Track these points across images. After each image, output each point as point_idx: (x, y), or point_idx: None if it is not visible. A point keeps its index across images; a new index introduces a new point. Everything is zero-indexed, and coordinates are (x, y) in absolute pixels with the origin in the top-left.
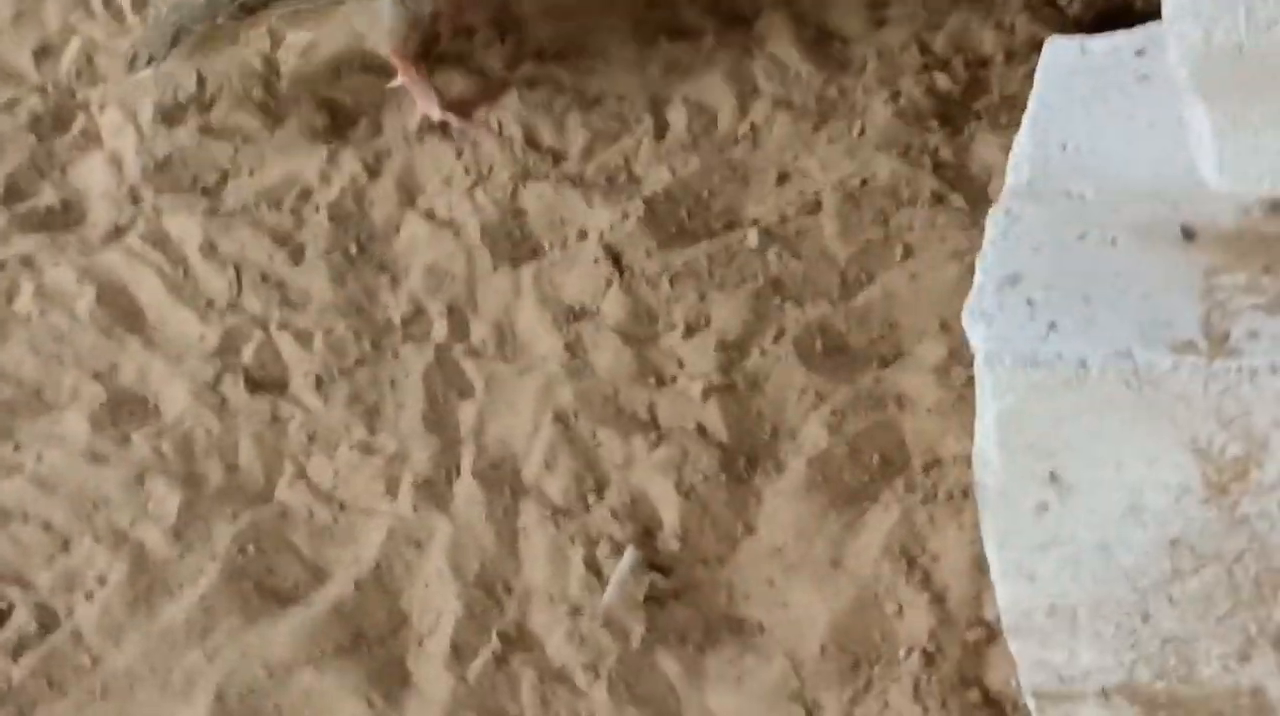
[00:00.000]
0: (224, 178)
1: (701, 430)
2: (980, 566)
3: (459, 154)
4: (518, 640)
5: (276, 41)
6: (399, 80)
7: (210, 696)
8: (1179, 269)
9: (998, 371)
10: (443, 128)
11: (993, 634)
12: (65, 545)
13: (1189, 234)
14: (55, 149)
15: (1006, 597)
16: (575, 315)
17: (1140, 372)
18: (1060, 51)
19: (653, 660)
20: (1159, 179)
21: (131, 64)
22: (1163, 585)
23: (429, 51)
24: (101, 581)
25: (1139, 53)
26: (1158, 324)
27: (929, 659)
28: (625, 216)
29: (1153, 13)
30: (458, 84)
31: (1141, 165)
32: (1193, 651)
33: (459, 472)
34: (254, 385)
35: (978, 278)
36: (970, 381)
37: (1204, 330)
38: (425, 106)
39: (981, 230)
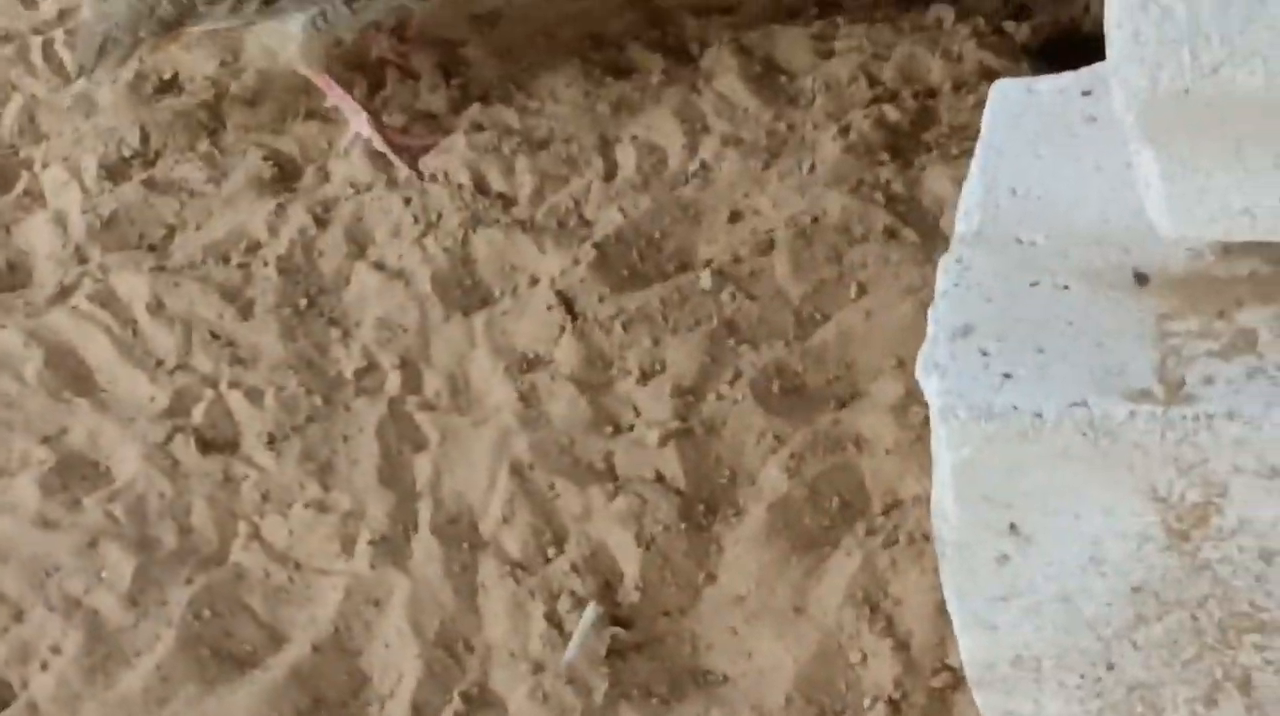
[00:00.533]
0: (170, 233)
1: (659, 478)
2: (943, 611)
3: (407, 202)
4: (480, 699)
5: (220, 92)
6: (328, 101)
7: None
8: (1132, 315)
9: (952, 424)
10: (384, 164)
11: (958, 679)
12: (18, 615)
13: (1141, 279)
14: None
15: (969, 649)
16: (529, 364)
17: (1096, 422)
18: (1007, 93)
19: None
20: (1109, 223)
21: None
22: (1126, 632)
23: (374, 94)
24: (56, 651)
25: (1086, 93)
26: (1112, 372)
27: (895, 707)
28: (576, 261)
29: (1101, 37)
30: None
31: (1091, 209)
32: (1159, 697)
33: (416, 528)
34: (205, 445)
35: (930, 328)
36: (928, 420)
37: (1159, 377)
38: (356, 124)
39: (935, 264)
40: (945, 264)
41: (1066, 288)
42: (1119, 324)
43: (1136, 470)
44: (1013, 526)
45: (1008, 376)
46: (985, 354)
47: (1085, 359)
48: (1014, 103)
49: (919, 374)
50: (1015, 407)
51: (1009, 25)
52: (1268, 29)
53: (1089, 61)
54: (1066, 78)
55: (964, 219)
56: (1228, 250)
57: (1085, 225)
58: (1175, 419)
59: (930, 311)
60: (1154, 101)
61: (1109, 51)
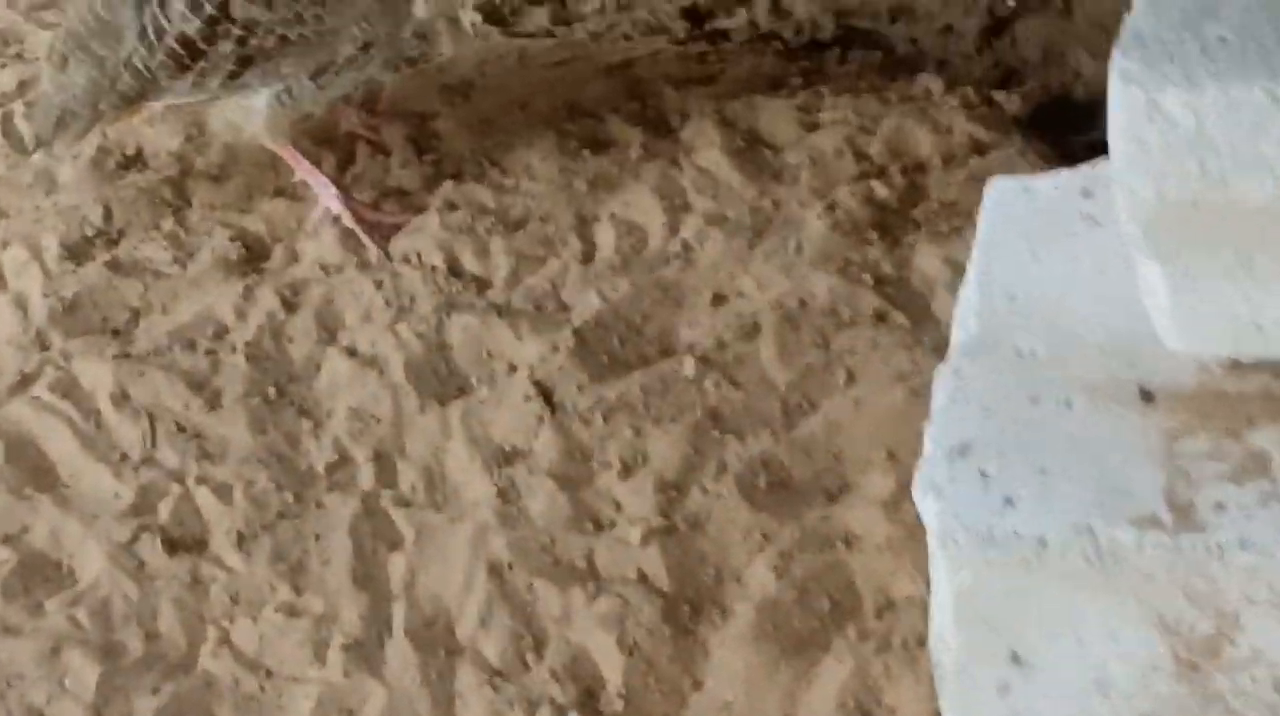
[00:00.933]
0: (135, 317)
1: (643, 578)
2: None
3: (378, 285)
4: None
5: (186, 168)
6: (297, 176)
7: None
8: (1138, 433)
9: (951, 550)
10: (354, 244)
11: None
12: None
13: (1147, 395)
14: None
15: None
16: (507, 457)
17: (1102, 550)
18: (1003, 193)
19: None
20: (1113, 333)
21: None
22: None
23: (343, 169)
24: None
25: (1085, 193)
26: (1118, 495)
27: None
28: (555, 348)
29: (1093, 102)
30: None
31: (1094, 317)
32: None
33: (390, 632)
34: (172, 545)
35: (927, 445)
36: (921, 517)
37: (1167, 501)
38: (325, 200)
39: (926, 349)
40: (941, 375)
41: (1069, 403)
42: (1124, 443)
43: (1144, 598)
44: (1015, 654)
45: (1009, 501)
46: (985, 475)
47: (1090, 480)
48: (1011, 202)
49: (915, 494)
50: (1017, 534)
51: (999, 95)
52: (1279, 139)
53: (1083, 131)
54: (1065, 176)
55: (961, 326)
56: (1237, 365)
57: (1087, 335)
58: (1185, 547)
59: (926, 427)
60: (1160, 212)
61: (1112, 158)
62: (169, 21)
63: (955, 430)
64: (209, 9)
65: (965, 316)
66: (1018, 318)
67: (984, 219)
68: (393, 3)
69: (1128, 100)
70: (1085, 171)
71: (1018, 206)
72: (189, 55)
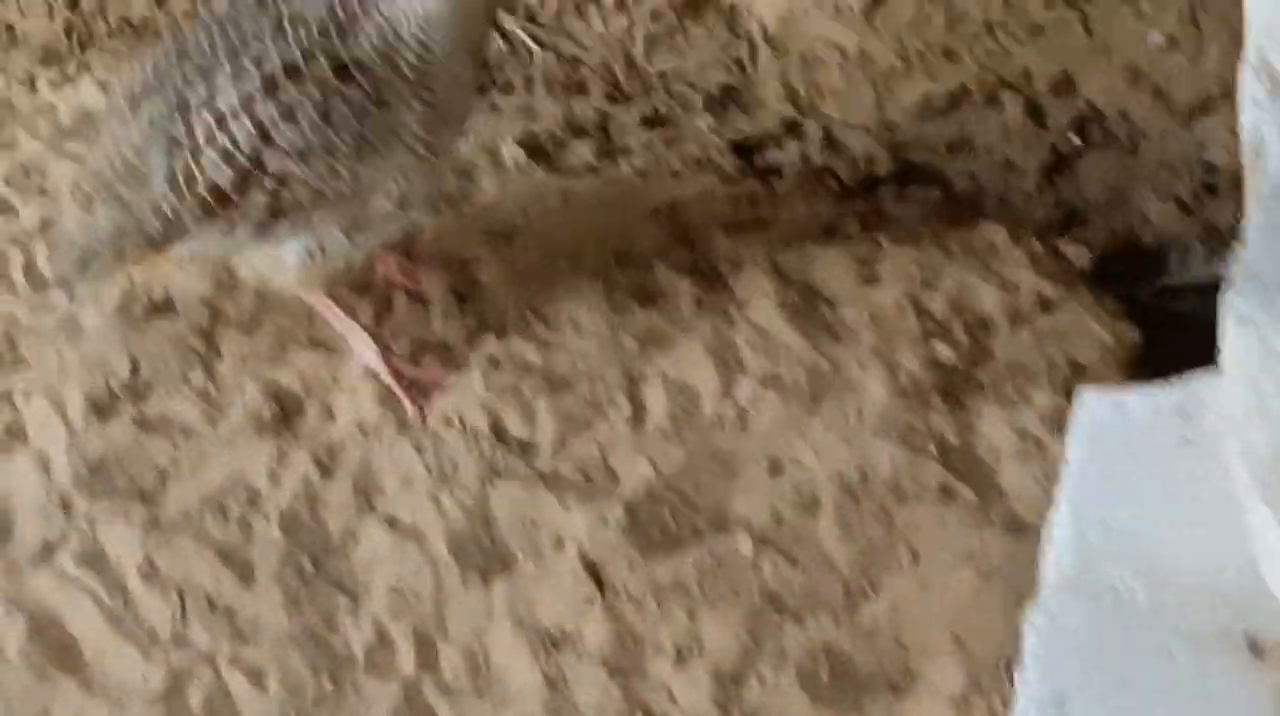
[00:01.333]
0: (163, 479)
1: None
2: None
3: (419, 449)
4: None
5: (215, 316)
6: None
7: None
8: (1247, 689)
9: None
10: (393, 402)
11: None
12: None
13: (1257, 648)
14: None
15: None
16: (554, 641)
17: None
18: (1094, 412)
19: None
20: (1218, 576)
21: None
22: None
23: (380, 320)
24: None
25: (1182, 414)
26: None
27: None
28: (604, 521)
29: (1161, 248)
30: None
31: (1196, 556)
32: None
33: None
34: None
35: (1019, 694)
36: (992, 713)
37: None
38: (360, 351)
39: (995, 527)
40: (1033, 618)
41: (1172, 654)
42: (1232, 699)
43: None
44: None
45: None
46: None
47: None
48: (1102, 421)
49: None
50: None
51: (1066, 247)
52: None
53: (1152, 278)
54: (1160, 394)
55: (1054, 561)
56: None
57: (1189, 576)
58: None
59: (1017, 674)
60: (1276, 462)
61: (1225, 402)
62: (200, 170)
63: (1050, 679)
64: (242, 159)
65: (1058, 550)
66: (1113, 553)
67: (1074, 440)
68: (430, 163)
69: (1243, 345)
70: (1180, 391)
71: (1110, 427)
72: (219, 203)
